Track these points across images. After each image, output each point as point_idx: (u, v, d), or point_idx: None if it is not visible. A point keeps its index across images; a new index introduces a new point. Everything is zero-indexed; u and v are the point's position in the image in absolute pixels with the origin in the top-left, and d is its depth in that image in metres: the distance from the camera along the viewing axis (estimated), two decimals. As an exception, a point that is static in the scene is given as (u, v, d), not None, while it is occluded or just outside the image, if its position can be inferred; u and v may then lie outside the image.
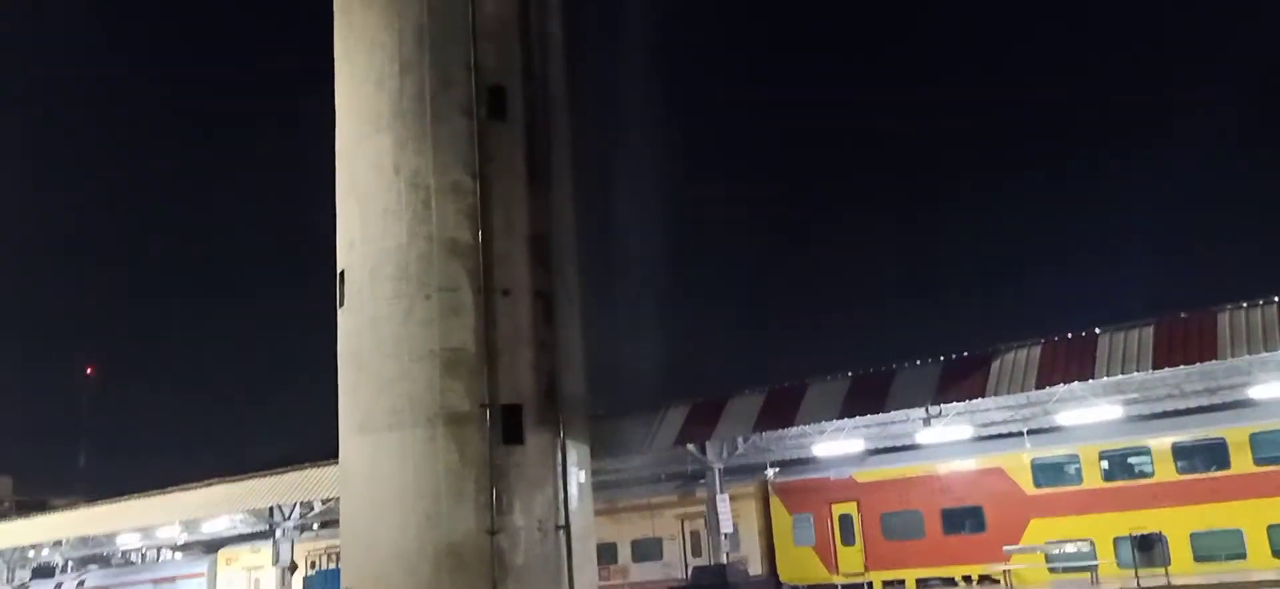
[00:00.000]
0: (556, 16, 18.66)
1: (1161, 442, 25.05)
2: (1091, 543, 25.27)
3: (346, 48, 18.27)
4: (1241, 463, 24.10)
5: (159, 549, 47.15)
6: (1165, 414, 25.77)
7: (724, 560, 25.91)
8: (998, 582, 25.94)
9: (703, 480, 28.96)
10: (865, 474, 28.99)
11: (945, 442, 27.23)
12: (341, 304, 17.61)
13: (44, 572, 47.24)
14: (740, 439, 26.98)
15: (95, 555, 49.04)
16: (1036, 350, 22.38)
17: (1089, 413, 24.84)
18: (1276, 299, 19.88)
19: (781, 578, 29.18)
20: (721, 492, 26.59)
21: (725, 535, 26.08)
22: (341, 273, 17.70)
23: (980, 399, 22.75)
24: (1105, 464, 25.77)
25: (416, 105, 17.21)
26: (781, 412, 25.11)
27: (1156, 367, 20.34)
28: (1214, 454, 24.48)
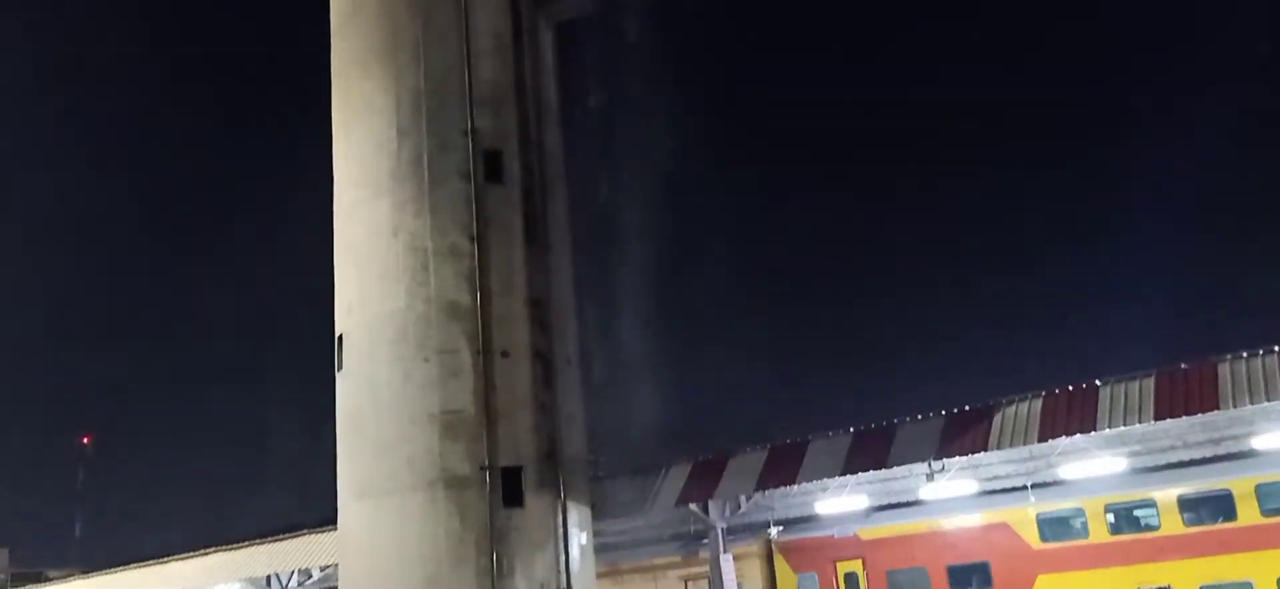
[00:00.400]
0: (552, 82, 18.88)
1: (1167, 494, 24.86)
2: (1100, 598, 24.97)
3: (344, 114, 18.45)
4: (1248, 514, 23.90)
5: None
6: (1170, 466, 25.62)
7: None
8: (1006, 639, 25.59)
9: (705, 540, 28.69)
10: (870, 531, 28.74)
11: (950, 497, 27.04)
12: (340, 368, 17.59)
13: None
14: (743, 497, 26.80)
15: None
16: (1037, 403, 22.34)
17: (1093, 466, 24.70)
18: (1277, 349, 19.89)
19: (787, 639, 28.79)
20: (725, 551, 26.35)
21: (729, 596, 25.79)
22: (340, 337, 17.71)
23: (983, 453, 22.65)
24: (1112, 518, 25.55)
25: (414, 169, 17.35)
26: (784, 469, 24.98)
27: (1158, 417, 20.30)
28: (1221, 506, 24.28)
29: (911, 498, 28.13)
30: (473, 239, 17.01)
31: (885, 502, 28.93)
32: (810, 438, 25.53)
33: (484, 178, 17.28)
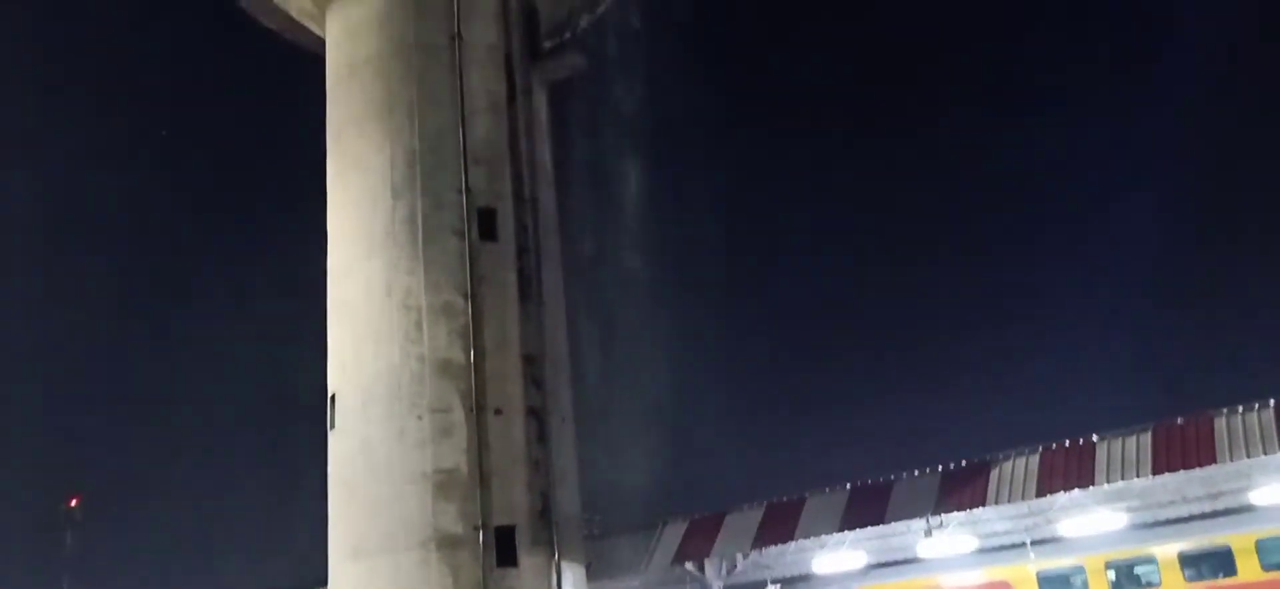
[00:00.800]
0: (546, 140, 19.04)
1: (1167, 550, 24.67)
2: (1102, 656, 24.67)
3: (338, 174, 18.56)
4: (1249, 570, 23.71)
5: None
6: (1170, 521, 25.45)
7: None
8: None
9: (702, 600, 28.36)
10: (868, 589, 28.44)
11: (948, 555, 26.80)
12: (332, 427, 17.51)
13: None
14: (740, 555, 26.57)
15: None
16: (1035, 458, 22.27)
17: (1092, 521, 24.53)
18: (1273, 401, 19.87)
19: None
20: (722, 611, 26.05)
21: (727, 657, 25.46)
22: (332, 396, 17.65)
23: (981, 509, 22.52)
24: (1112, 574, 25.33)
25: (408, 228, 17.41)
26: (781, 525, 24.82)
27: (1156, 472, 20.24)
28: (1221, 562, 24.09)
29: (910, 555, 27.88)
30: (466, 297, 17.02)
31: (883, 559, 28.67)
32: (807, 494, 25.38)
33: (478, 236, 17.35)
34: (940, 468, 23.36)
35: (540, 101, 19.08)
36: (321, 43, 19.83)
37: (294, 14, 20.13)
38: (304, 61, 20.84)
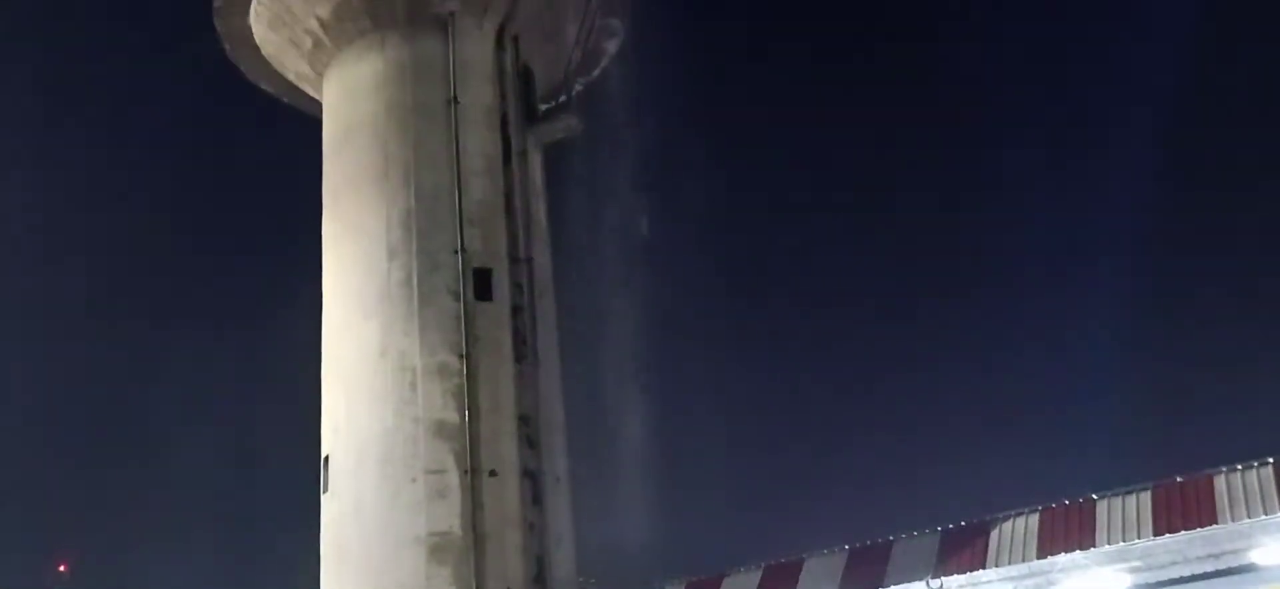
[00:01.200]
0: (541, 200, 19.11)
1: (1169, 611, 24.34)
2: None
3: (335, 233, 18.61)
4: (1253, 631, 23.39)
5: None
6: (1171, 582, 25.15)
7: None
8: None
9: (700, 664, 27.94)
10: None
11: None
12: (325, 490, 17.35)
13: None
14: (738, 619, 26.22)
15: None
16: (1035, 518, 22.10)
17: (1094, 582, 24.24)
18: (1271, 460, 19.77)
19: None
20: (720, 676, 25.65)
21: None
22: (325, 458, 17.52)
23: (982, 570, 22.29)
24: (1115, 636, 24.97)
25: (403, 289, 17.40)
26: (780, 587, 24.49)
27: (1157, 533, 20.08)
28: (1226, 622, 23.77)
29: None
30: (461, 357, 16.97)
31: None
32: (806, 556, 25.12)
33: (473, 296, 17.33)
34: (940, 528, 23.15)
35: (536, 162, 19.19)
36: (318, 105, 20.02)
37: (292, 78, 20.32)
38: (301, 123, 21.05)
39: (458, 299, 17.25)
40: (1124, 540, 20.74)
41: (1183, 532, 20.12)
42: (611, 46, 20.13)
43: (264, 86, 20.89)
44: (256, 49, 19.95)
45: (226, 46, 20.06)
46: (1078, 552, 21.83)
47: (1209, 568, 24.27)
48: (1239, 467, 20.18)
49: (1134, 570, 24.22)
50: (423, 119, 18.20)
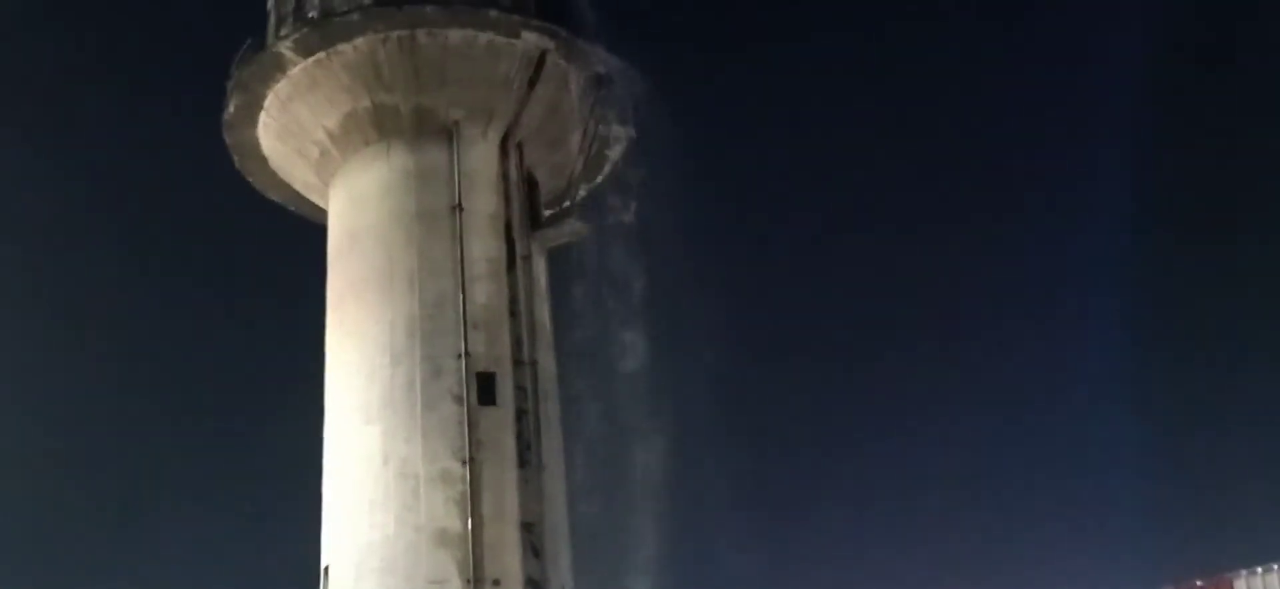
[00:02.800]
0: (545, 304, 19.11)
1: None
2: None
3: (338, 339, 18.56)
4: None
5: None
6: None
7: None
8: None
9: None
10: None
11: None
12: (325, 601, 16.95)
13: None
14: None
15: None
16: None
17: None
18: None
19: None
20: None
21: None
22: (325, 568, 17.17)
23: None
24: None
25: (407, 394, 17.28)
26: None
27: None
28: None
29: None
30: (465, 463, 16.75)
31: None
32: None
33: (477, 401, 17.20)
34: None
35: (540, 266, 19.25)
36: (322, 212, 20.18)
37: (299, 187, 20.55)
38: (305, 229, 21.19)
39: (461, 404, 17.11)
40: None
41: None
42: (615, 153, 20.39)
43: (271, 196, 21.10)
44: (264, 159, 20.21)
45: (235, 158, 20.33)
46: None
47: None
48: (1259, 569, 19.73)
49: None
50: (427, 225, 18.33)
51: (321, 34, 18.28)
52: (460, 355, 17.36)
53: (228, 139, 19.96)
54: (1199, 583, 20.35)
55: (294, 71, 18.56)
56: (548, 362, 18.49)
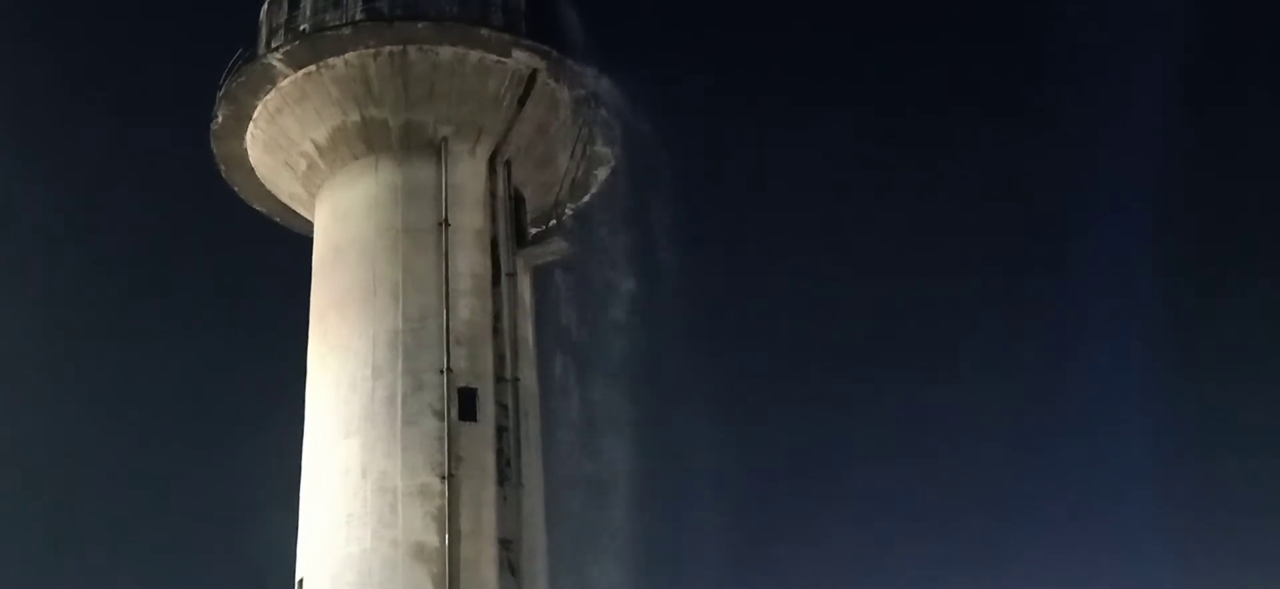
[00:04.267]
0: (529, 321, 19.10)
1: None
2: None
3: (320, 353, 18.49)
4: None
5: None
6: None
7: None
8: None
9: None
10: None
11: None
12: (298, 616, 16.81)
13: None
14: None
15: None
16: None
17: None
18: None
19: None
20: None
21: None
22: (300, 581, 17.03)
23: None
24: None
25: (387, 408, 17.21)
26: None
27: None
28: None
29: None
30: (444, 478, 16.68)
31: None
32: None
33: (458, 416, 17.15)
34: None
35: (525, 284, 19.25)
36: (308, 224, 20.17)
37: (285, 199, 20.54)
38: (291, 241, 21.17)
39: (442, 419, 17.04)
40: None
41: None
42: (602, 173, 20.47)
43: (257, 207, 21.09)
44: (251, 171, 20.22)
45: (221, 168, 20.33)
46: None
47: None
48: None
49: None
50: (413, 240, 18.32)
51: (312, 47, 18.33)
52: (442, 370, 17.32)
53: (215, 149, 19.96)
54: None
55: (284, 84, 18.61)
56: (530, 379, 18.46)
